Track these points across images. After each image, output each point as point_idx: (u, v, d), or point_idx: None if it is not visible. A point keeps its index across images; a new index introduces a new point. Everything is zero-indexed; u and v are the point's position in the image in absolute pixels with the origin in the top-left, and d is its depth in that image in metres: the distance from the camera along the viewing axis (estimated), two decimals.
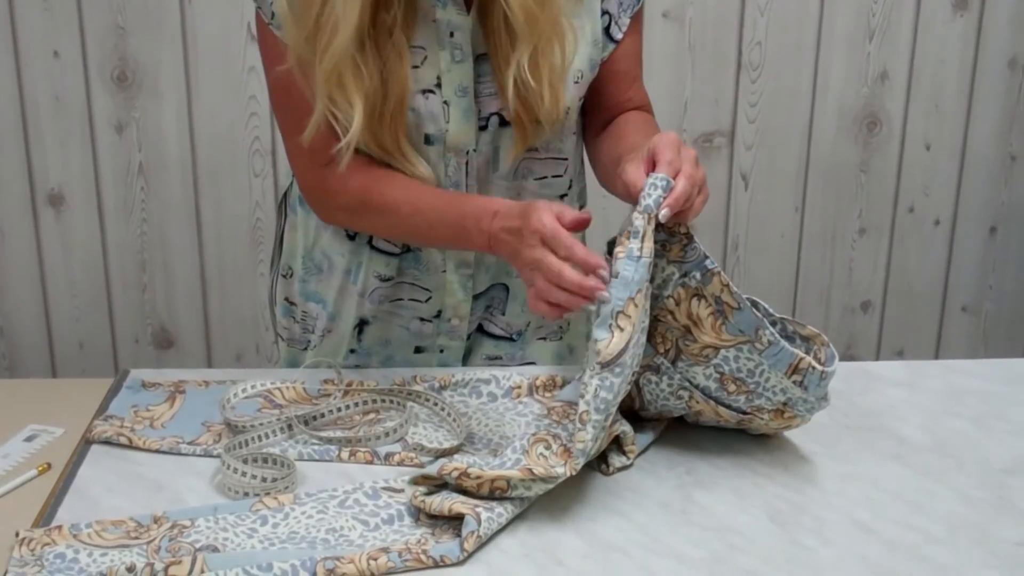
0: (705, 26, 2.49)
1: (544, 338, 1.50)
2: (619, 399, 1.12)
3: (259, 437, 1.24)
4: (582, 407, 1.09)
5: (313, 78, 1.24)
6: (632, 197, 1.12)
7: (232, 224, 2.52)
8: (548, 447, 1.12)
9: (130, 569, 0.99)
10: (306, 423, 1.27)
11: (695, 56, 2.49)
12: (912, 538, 1.09)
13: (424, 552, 1.03)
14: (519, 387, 1.34)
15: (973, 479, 1.19)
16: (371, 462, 1.22)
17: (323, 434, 1.25)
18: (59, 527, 1.08)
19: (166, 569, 0.99)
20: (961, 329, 2.79)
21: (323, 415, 1.29)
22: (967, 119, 2.62)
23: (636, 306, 1.09)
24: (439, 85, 1.28)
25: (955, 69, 2.58)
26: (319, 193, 1.35)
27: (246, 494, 1.14)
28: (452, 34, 1.27)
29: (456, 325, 1.43)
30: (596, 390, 1.09)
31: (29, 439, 1.27)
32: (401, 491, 1.14)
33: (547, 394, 1.33)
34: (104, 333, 2.57)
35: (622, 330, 1.08)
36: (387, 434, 1.25)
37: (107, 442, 1.25)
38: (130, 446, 1.24)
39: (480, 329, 1.47)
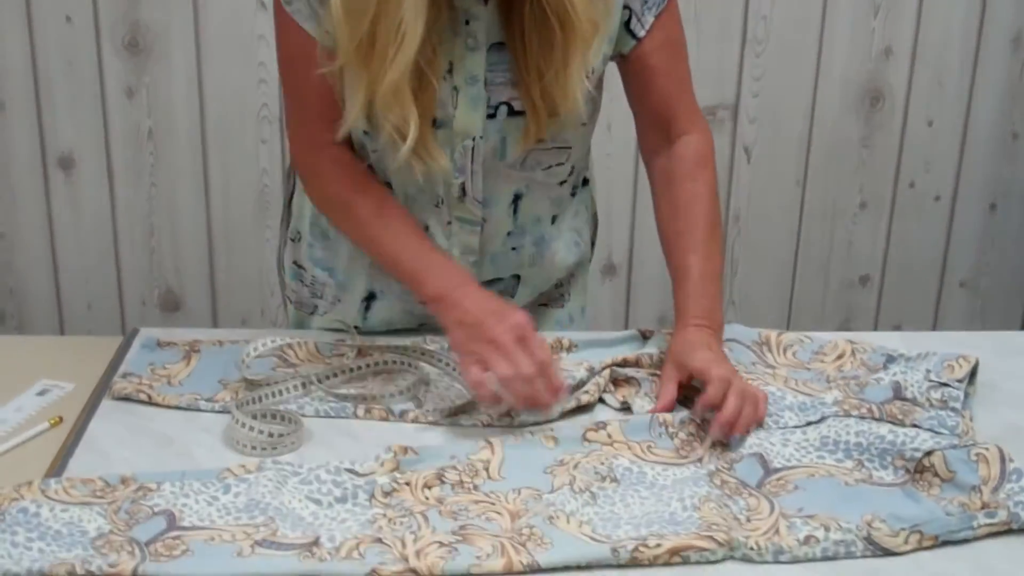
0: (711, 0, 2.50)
1: (545, 304, 1.52)
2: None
3: (274, 394, 1.26)
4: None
5: (356, 85, 1.21)
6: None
7: (239, 189, 2.54)
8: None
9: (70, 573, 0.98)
10: (319, 382, 1.29)
11: (700, 29, 2.49)
12: None
13: None
14: None
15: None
16: (386, 419, 1.24)
17: (339, 391, 1.27)
18: (29, 483, 1.08)
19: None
20: (959, 304, 2.81)
21: (336, 375, 1.30)
22: (970, 96, 2.63)
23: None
24: (451, 72, 1.27)
25: (959, 46, 2.59)
26: (309, 176, 1.39)
27: (253, 448, 1.17)
28: (468, 22, 1.25)
29: None
30: None
31: (41, 393, 1.30)
32: (364, 475, 1.12)
33: (555, 356, 1.34)
34: (112, 295, 2.60)
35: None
36: (401, 392, 1.27)
37: (127, 398, 1.27)
38: (150, 402, 1.26)
39: None
